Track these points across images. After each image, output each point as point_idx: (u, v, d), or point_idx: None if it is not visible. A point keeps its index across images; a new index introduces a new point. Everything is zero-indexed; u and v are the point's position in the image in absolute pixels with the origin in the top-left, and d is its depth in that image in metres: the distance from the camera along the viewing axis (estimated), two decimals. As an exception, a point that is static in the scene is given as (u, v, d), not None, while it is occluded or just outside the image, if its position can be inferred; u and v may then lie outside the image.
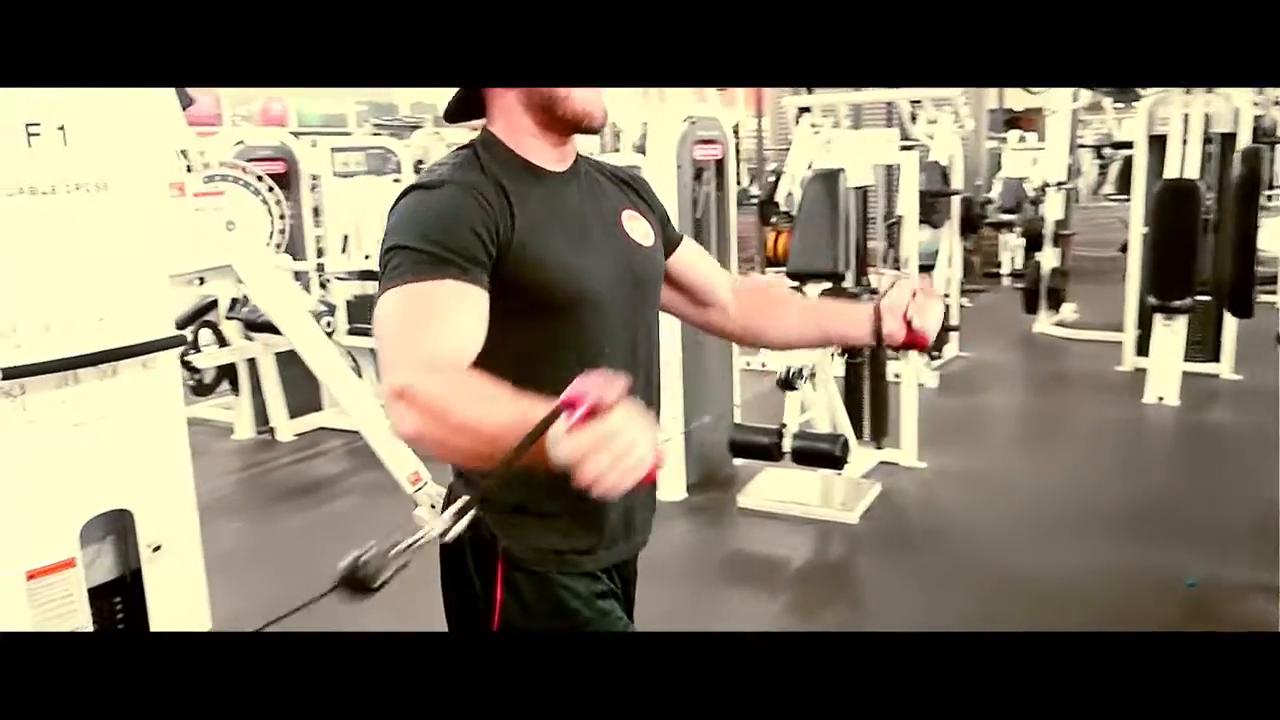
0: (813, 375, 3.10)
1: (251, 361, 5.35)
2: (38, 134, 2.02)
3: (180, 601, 2.41)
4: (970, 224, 7.42)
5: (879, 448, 4.68)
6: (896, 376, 4.85)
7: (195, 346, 5.35)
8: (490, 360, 1.26)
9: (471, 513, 1.13)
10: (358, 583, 1.08)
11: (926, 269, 7.23)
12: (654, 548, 3.47)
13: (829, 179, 4.21)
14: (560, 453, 0.97)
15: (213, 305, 5.10)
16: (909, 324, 1.48)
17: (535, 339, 1.35)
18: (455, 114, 1.44)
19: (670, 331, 4.15)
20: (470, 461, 1.24)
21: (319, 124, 10.27)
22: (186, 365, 5.28)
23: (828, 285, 4.13)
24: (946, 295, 6.75)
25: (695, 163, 4.30)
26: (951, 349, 6.82)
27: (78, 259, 2.10)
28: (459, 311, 1.23)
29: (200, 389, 5.33)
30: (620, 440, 0.94)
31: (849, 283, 4.45)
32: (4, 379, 1.96)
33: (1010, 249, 9.86)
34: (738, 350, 4.86)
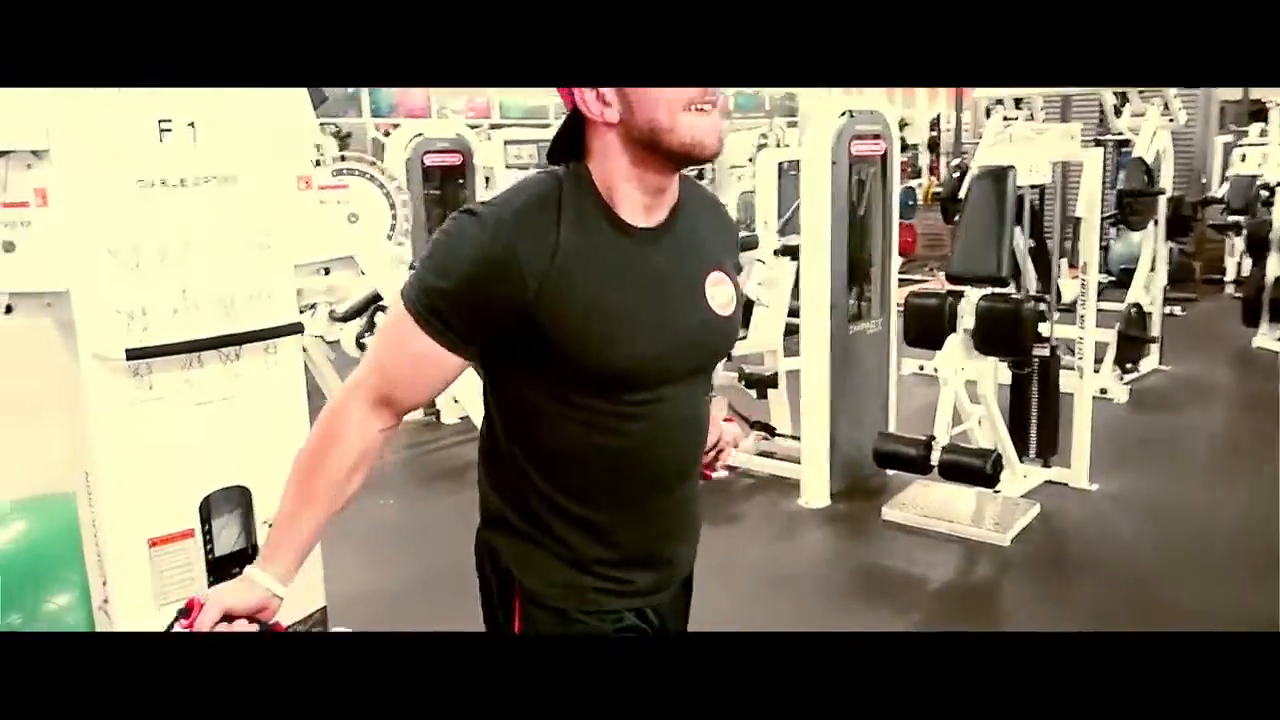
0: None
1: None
2: (169, 130, 2.16)
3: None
4: (1180, 226, 6.79)
5: (1046, 466, 4.36)
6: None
7: (371, 328, 5.65)
8: (520, 421, 1.31)
9: None
10: None
11: (1126, 274, 6.70)
12: (785, 553, 3.38)
13: (997, 177, 3.95)
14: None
15: (388, 291, 5.38)
16: (715, 459, 1.58)
17: (574, 413, 1.28)
18: (555, 155, 1.31)
19: (818, 338, 4.03)
20: None
21: (521, 116, 10.56)
22: (362, 348, 5.58)
23: (989, 291, 3.88)
24: (1149, 303, 6.22)
25: (853, 159, 4.13)
26: (1150, 362, 6.28)
27: (206, 248, 2.23)
28: (420, 361, 1.26)
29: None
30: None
31: (1020, 289, 4.16)
32: (127, 359, 2.11)
33: (1237, 254, 9.00)
34: (897, 355, 4.66)
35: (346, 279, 2.66)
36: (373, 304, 5.61)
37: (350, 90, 10.63)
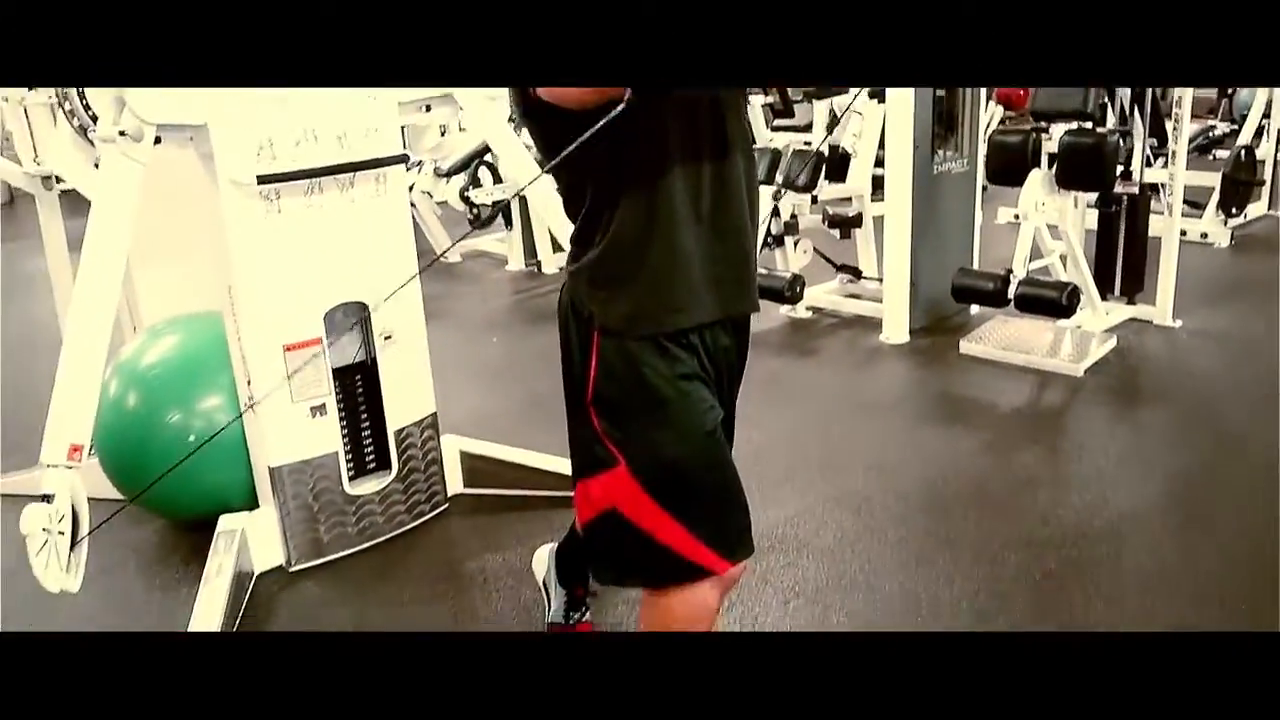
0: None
1: (523, 199, 5.84)
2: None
3: (407, 385, 2.86)
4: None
5: (1130, 304, 4.41)
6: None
7: (476, 182, 5.93)
8: (597, 183, 1.57)
9: None
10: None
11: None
12: (863, 381, 3.65)
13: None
14: None
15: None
16: None
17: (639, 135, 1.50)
18: None
19: (901, 177, 4.12)
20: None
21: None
22: (466, 200, 5.87)
23: (1074, 126, 3.89)
24: (1260, 148, 6.02)
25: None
26: (1259, 207, 6.12)
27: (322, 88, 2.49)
28: None
29: (478, 222, 5.91)
30: None
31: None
32: (258, 184, 2.41)
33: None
34: (980, 200, 4.70)
35: (444, 115, 2.90)
36: (475, 159, 5.89)
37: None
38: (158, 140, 2.31)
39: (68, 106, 2.43)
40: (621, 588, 1.94)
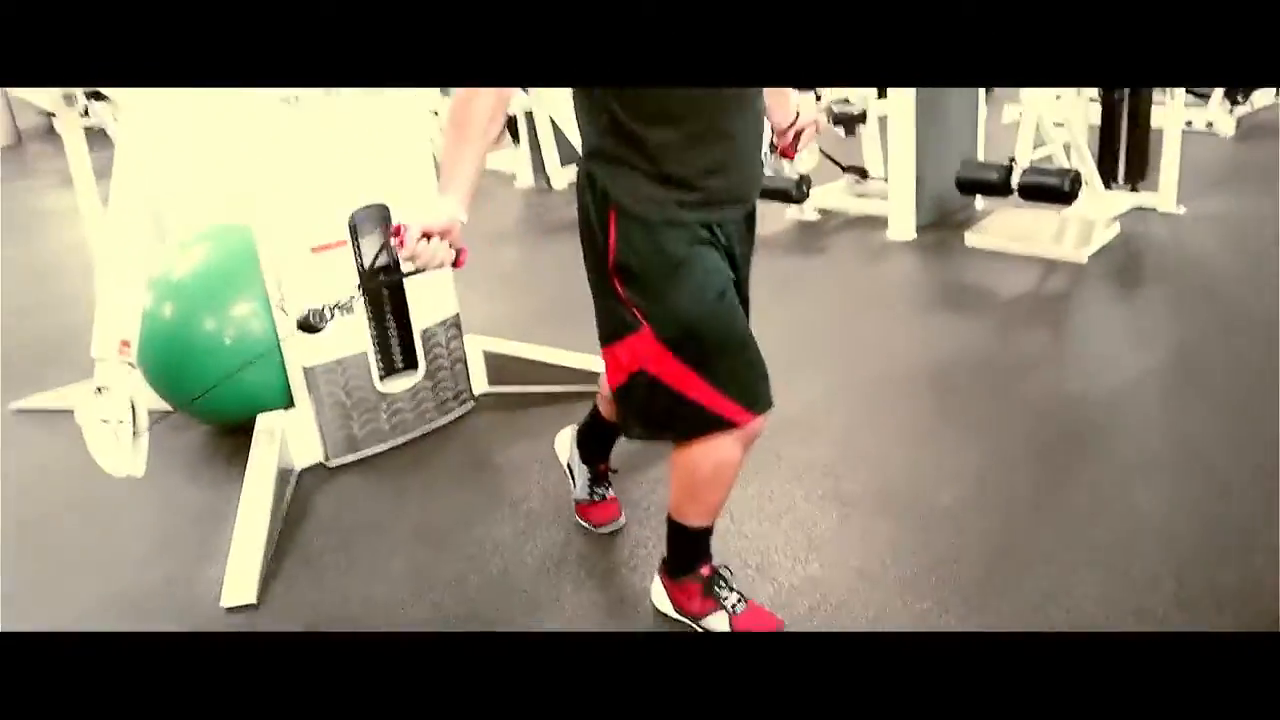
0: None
1: (530, 116, 5.87)
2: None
3: (430, 286, 2.96)
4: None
5: (1134, 191, 4.46)
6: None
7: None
8: None
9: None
10: (309, 327, 1.70)
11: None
12: (870, 275, 3.72)
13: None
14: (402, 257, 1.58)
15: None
16: (795, 140, 2.06)
17: None
18: None
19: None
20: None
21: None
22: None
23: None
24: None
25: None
26: (1265, 96, 6.11)
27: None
28: None
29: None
30: (420, 258, 1.57)
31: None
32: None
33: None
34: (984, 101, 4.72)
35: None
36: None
37: None
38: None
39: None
40: (652, 442, 2.06)
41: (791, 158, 2.13)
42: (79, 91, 3.24)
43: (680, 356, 1.75)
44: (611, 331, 1.85)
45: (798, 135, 2.08)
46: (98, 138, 3.58)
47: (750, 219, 1.89)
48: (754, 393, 1.82)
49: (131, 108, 2.30)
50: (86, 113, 3.44)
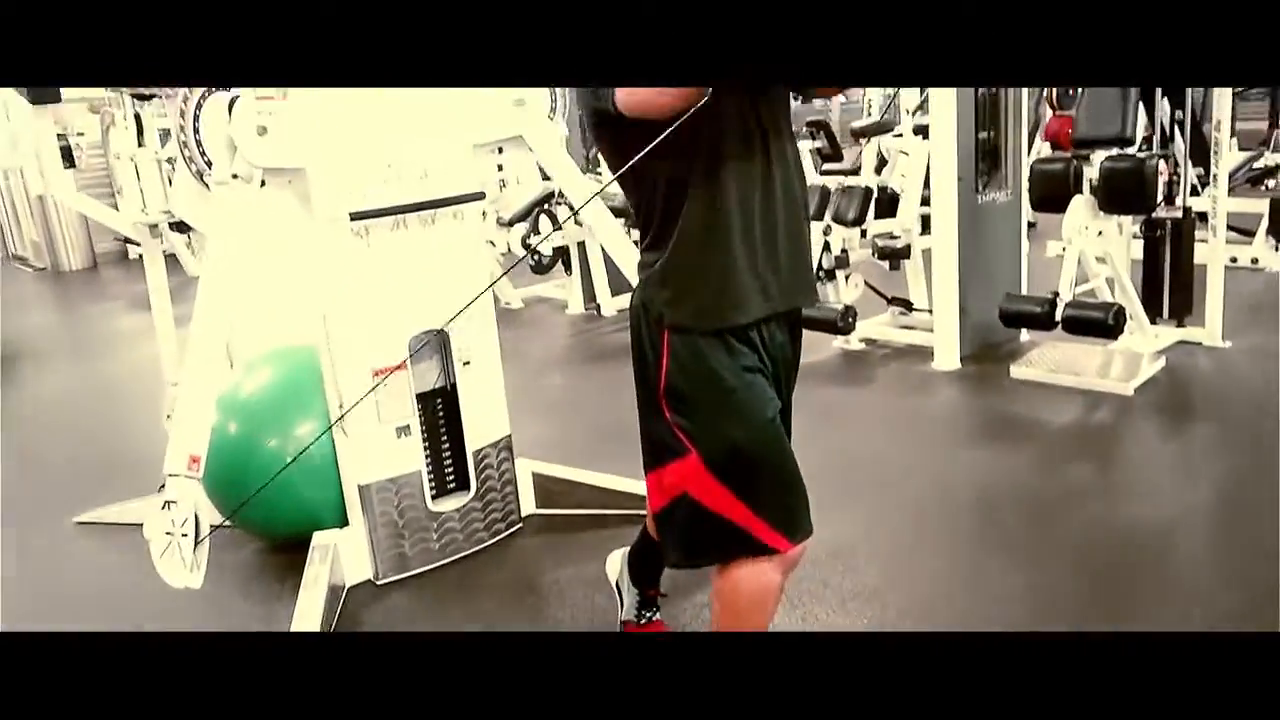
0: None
1: (582, 246, 6.09)
2: (372, 34, 2.65)
3: (484, 408, 3.06)
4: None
5: (1180, 325, 4.49)
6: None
7: (536, 230, 6.19)
8: (661, 194, 1.76)
9: None
10: None
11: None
12: (913, 404, 3.75)
13: (1121, 42, 4.05)
14: None
15: (551, 196, 5.89)
16: None
17: (697, 164, 1.72)
18: None
19: (946, 208, 4.27)
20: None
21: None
22: (527, 247, 6.13)
23: (1114, 152, 4.03)
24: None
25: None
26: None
27: (406, 132, 2.74)
28: None
29: (539, 268, 6.16)
30: None
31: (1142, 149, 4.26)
32: (350, 220, 2.65)
33: None
34: (1027, 227, 4.82)
35: (518, 158, 3.12)
36: (535, 209, 6.15)
37: None
38: (263, 183, 2.56)
39: (187, 154, 2.70)
40: (693, 568, 2.08)
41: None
42: (162, 221, 3.45)
43: (724, 481, 1.80)
44: (657, 456, 1.90)
45: None
46: (169, 262, 3.79)
47: (798, 331, 1.95)
48: (795, 519, 1.85)
49: (215, 237, 2.47)
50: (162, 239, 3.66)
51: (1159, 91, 4.40)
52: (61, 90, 3.72)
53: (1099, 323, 3.84)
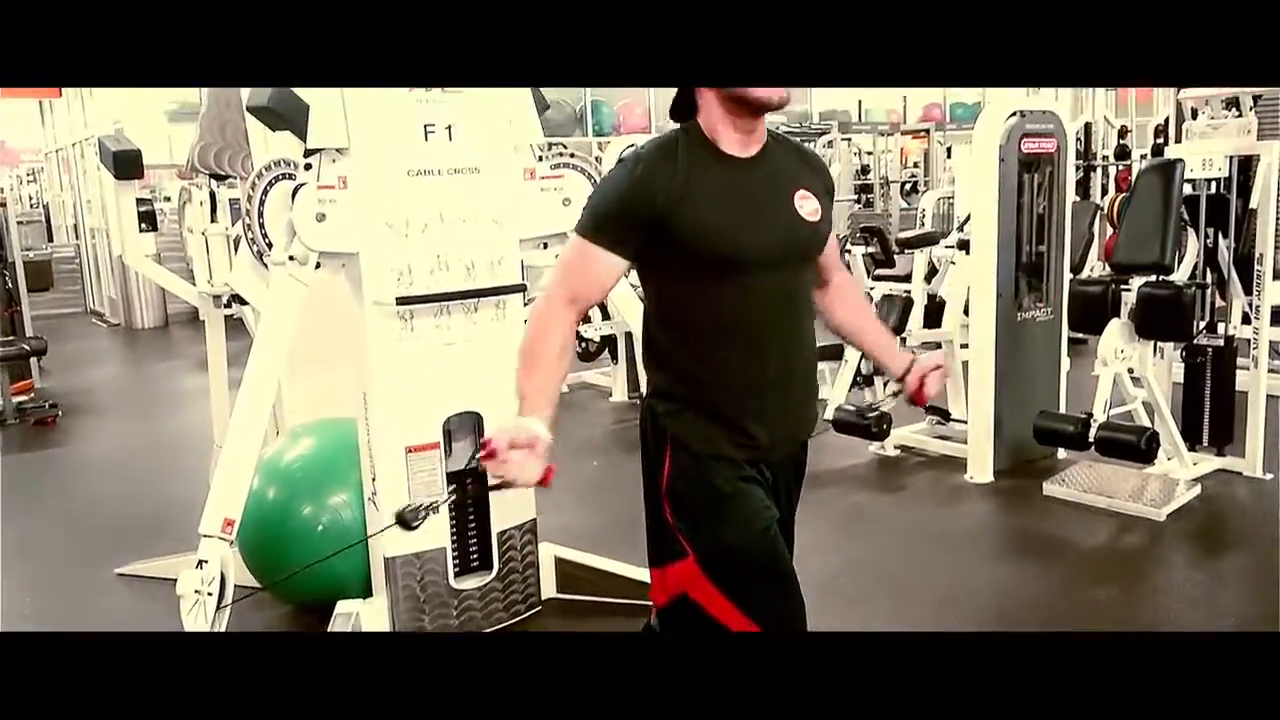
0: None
1: (629, 335, 6.22)
2: (434, 132, 2.83)
3: (512, 491, 3.14)
4: None
5: (1219, 454, 4.45)
6: None
7: (584, 318, 6.35)
8: (667, 309, 1.85)
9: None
10: (404, 523, 1.99)
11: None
12: (944, 516, 3.74)
13: (1163, 170, 4.13)
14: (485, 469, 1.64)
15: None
16: (921, 384, 2.02)
17: (703, 294, 1.80)
18: (675, 114, 1.84)
19: (985, 323, 4.33)
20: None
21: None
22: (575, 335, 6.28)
23: (1152, 279, 4.07)
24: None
25: (1023, 156, 4.41)
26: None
27: (455, 223, 2.89)
28: (593, 267, 1.79)
29: (586, 355, 6.30)
30: (509, 469, 1.63)
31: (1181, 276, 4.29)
32: (396, 305, 2.79)
33: None
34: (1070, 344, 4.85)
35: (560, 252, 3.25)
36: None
37: (573, 111, 11.55)
38: (318, 265, 2.72)
39: (249, 235, 2.89)
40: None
41: (923, 403, 2.12)
42: (225, 293, 3.65)
43: (720, 587, 1.85)
44: (659, 555, 1.97)
45: (922, 381, 2.06)
46: (236, 326, 3.98)
47: (800, 462, 2.02)
48: (789, 627, 1.90)
49: (268, 312, 2.62)
50: (229, 305, 3.86)
51: (1203, 219, 4.43)
52: (145, 166, 3.98)
53: (1131, 446, 3.84)
